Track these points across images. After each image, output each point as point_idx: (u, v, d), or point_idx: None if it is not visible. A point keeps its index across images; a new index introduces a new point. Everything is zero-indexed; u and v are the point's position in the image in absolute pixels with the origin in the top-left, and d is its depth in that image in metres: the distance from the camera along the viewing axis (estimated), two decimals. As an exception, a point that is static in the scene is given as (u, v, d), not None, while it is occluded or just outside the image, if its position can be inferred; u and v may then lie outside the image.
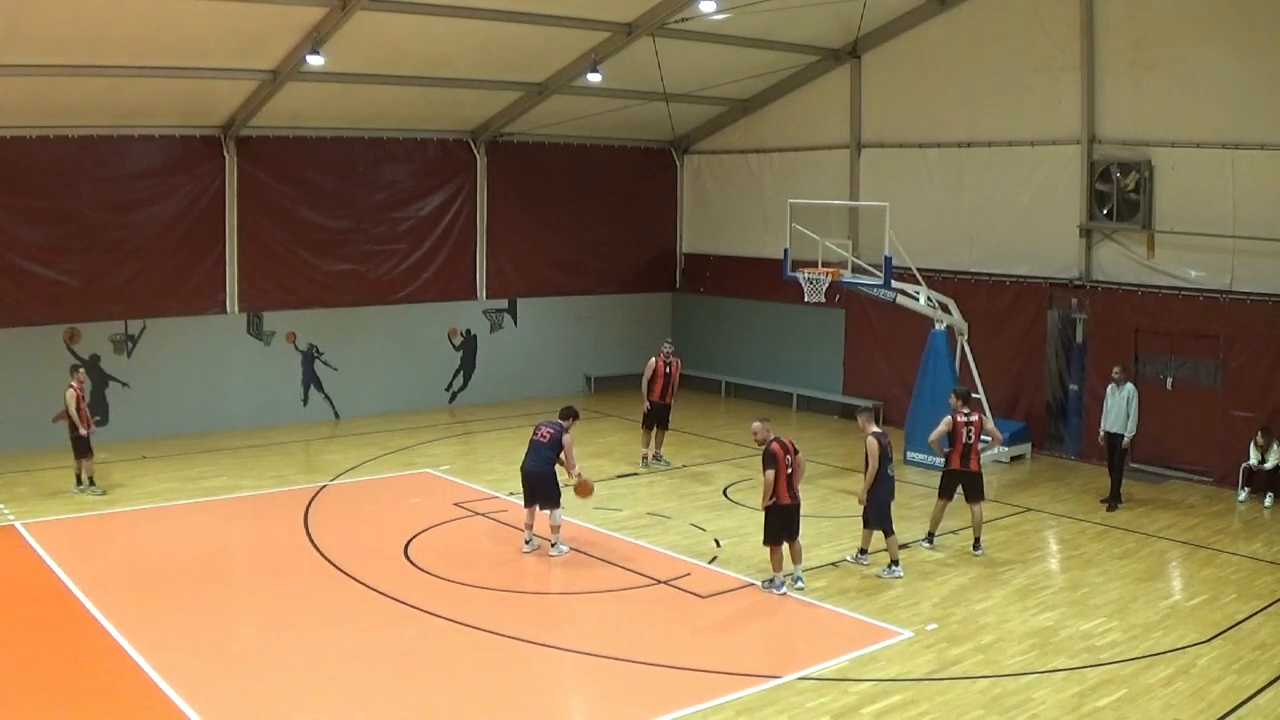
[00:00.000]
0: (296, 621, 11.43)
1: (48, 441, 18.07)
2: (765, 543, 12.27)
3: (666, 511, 15.53)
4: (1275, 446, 16.03)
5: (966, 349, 18.43)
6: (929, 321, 18.08)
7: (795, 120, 23.04)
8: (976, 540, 13.76)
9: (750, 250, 23.74)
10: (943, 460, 14.03)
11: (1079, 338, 18.89)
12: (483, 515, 15.23)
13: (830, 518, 15.12)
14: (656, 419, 17.97)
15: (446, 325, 22.86)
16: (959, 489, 13.81)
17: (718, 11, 17.50)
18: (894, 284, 17.29)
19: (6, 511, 14.96)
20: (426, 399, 22.46)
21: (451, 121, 21.98)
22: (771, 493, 12.02)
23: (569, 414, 13.94)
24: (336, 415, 21.49)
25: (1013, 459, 18.67)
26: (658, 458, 18.08)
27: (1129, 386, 15.90)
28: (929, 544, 13.93)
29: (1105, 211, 18.12)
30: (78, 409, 15.74)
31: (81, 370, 16.56)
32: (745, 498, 15.94)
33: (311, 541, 14.02)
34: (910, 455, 17.93)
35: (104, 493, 15.97)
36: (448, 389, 22.97)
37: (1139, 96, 17.64)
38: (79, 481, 15.98)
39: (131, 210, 19.12)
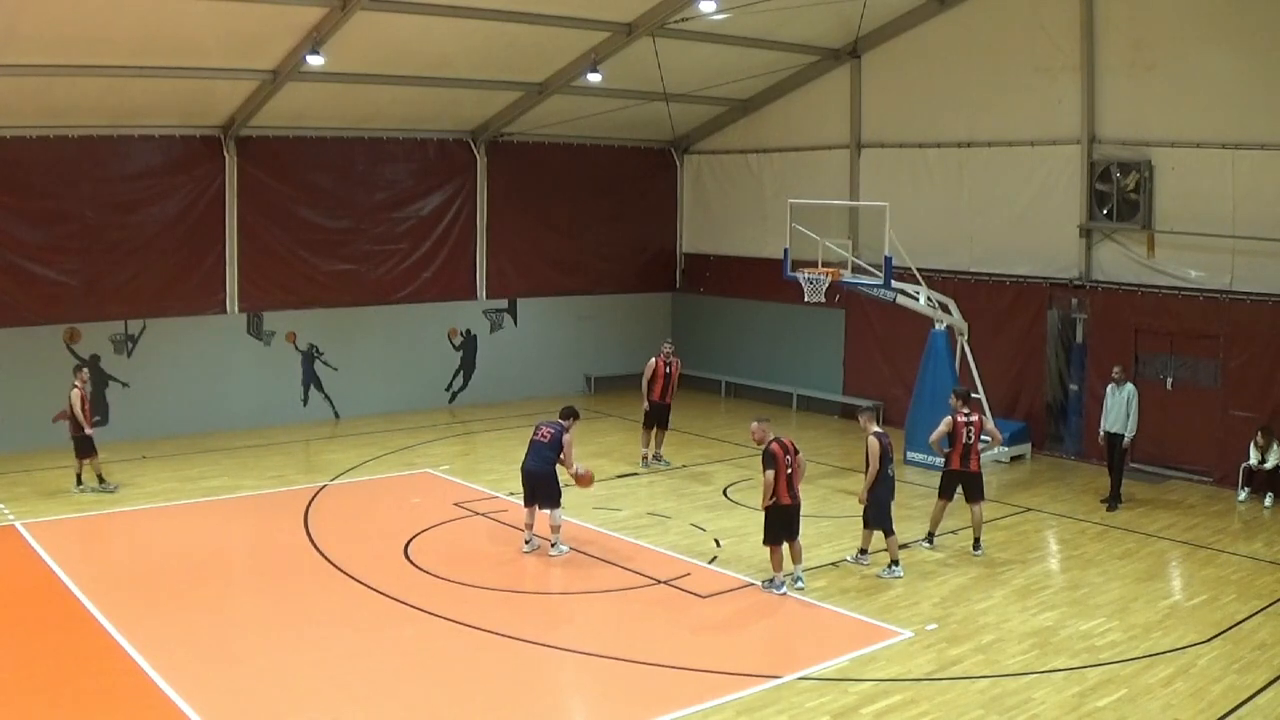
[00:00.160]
0: (296, 621, 11.43)
1: (48, 441, 18.10)
2: (765, 543, 12.27)
3: (666, 511, 15.53)
4: (1275, 446, 16.03)
5: (966, 349, 18.44)
6: (929, 321, 18.08)
7: (795, 120, 23.04)
8: (976, 540, 13.76)
9: (750, 250, 23.74)
10: (942, 460, 14.03)
11: (1079, 338, 18.89)
12: (483, 515, 15.23)
13: (830, 518, 15.12)
14: (656, 419, 17.97)
15: (446, 325, 22.86)
16: (959, 489, 13.81)
17: (718, 11, 17.50)
18: (894, 284, 17.29)
19: (6, 511, 14.96)
20: (426, 399, 22.46)
21: (451, 121, 21.98)
22: (771, 493, 12.02)
23: (569, 414, 13.94)
24: (336, 415, 21.49)
25: (1013, 459, 18.68)
26: (658, 458, 18.09)
27: (1129, 386, 15.90)
28: (929, 544, 13.94)
29: (1105, 211, 18.12)
30: (82, 409, 15.75)
31: (85, 370, 16.58)
32: (745, 498, 15.94)
33: (311, 541, 14.02)
34: (910, 455, 17.93)
35: (115, 489, 15.98)
36: (448, 389, 22.97)
37: (1139, 96, 17.63)
38: (79, 481, 15.99)
39: (131, 210, 19.12)
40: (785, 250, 18.28)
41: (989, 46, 19.41)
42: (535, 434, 13.69)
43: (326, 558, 13.37)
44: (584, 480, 13.85)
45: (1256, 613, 11.83)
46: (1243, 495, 16.32)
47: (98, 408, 18.42)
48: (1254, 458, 16.18)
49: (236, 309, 20.37)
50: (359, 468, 17.88)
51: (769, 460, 12.03)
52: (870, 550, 13.29)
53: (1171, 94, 17.24)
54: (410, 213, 22.11)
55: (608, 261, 24.78)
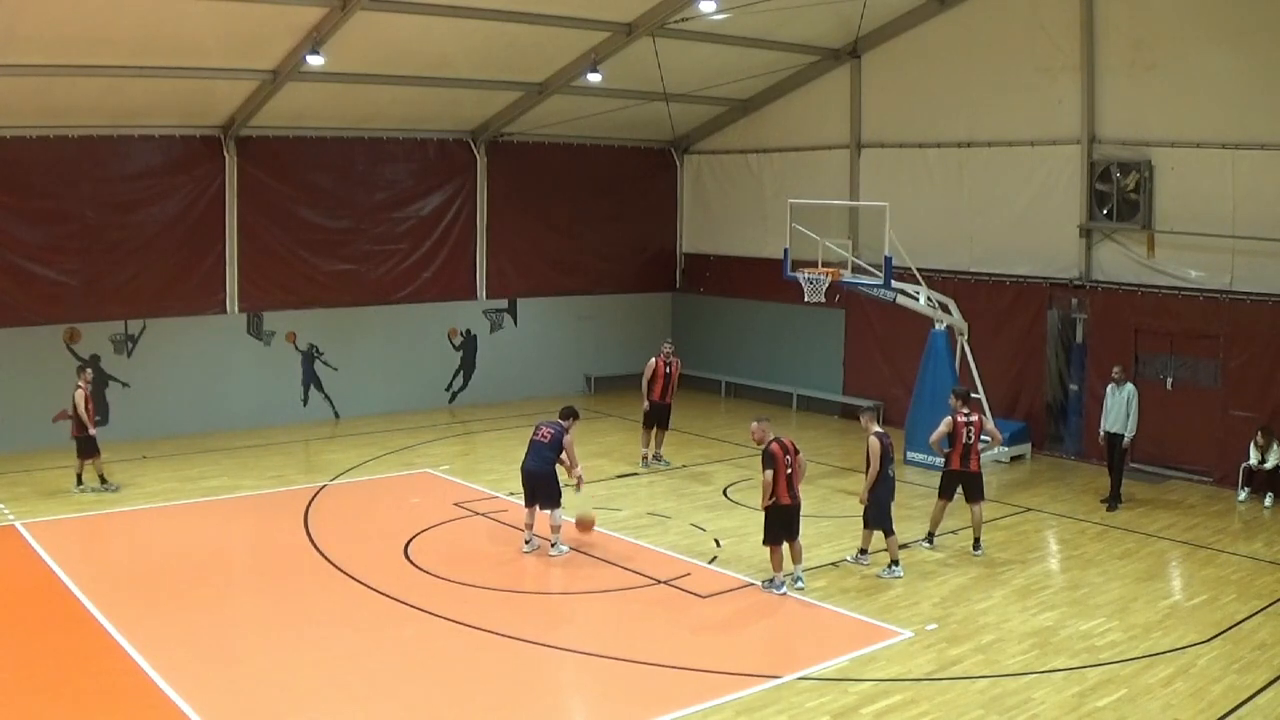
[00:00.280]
0: (296, 621, 11.43)
1: (48, 441, 18.12)
2: (765, 543, 12.28)
3: (666, 511, 15.53)
4: (1275, 446, 16.03)
5: (966, 349, 18.44)
6: (929, 321, 18.08)
7: (795, 120, 23.04)
8: (976, 540, 13.76)
9: (750, 250, 23.74)
10: (942, 460, 14.03)
11: (1079, 338, 18.89)
12: (483, 515, 15.23)
13: (830, 518, 15.12)
14: (656, 419, 17.98)
15: (446, 325, 22.86)
16: (959, 489, 13.81)
17: (718, 11, 17.50)
18: (894, 284, 17.29)
19: (6, 511, 14.96)
20: (426, 399, 22.46)
21: (451, 121, 21.98)
22: (771, 493, 12.02)
23: (569, 414, 13.95)
24: (336, 415, 21.50)
25: (1013, 459, 18.68)
26: (658, 458, 18.09)
27: (1129, 386, 15.90)
28: (929, 544, 13.94)
29: (1105, 211, 18.12)
30: (86, 409, 15.76)
31: (88, 371, 16.60)
32: (745, 498, 15.94)
33: (311, 541, 14.02)
34: (910, 455, 17.92)
35: (117, 489, 15.99)
36: (448, 389, 22.97)
37: (1139, 96, 17.63)
38: (79, 481, 16.00)
39: (131, 210, 19.12)
40: (785, 250, 18.28)
41: (989, 46, 19.41)
42: (535, 434, 13.69)
43: (326, 558, 13.37)
44: (584, 526, 13.81)
45: (1256, 613, 11.83)
46: (1243, 495, 16.32)
47: (98, 407, 18.35)
48: (1254, 458, 16.18)
49: (236, 309, 20.37)
50: (359, 468, 17.88)
51: (768, 460, 12.04)
52: (870, 550, 13.29)
53: (1171, 94, 17.24)
54: (410, 213, 22.11)
55: (608, 261, 24.78)
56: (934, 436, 13.80)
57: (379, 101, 20.05)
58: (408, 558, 13.40)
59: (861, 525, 13.29)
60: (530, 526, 13.65)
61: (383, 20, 16.57)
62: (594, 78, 19.26)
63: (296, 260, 20.86)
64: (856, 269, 18.23)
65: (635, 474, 17.61)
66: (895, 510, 13.15)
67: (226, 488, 16.53)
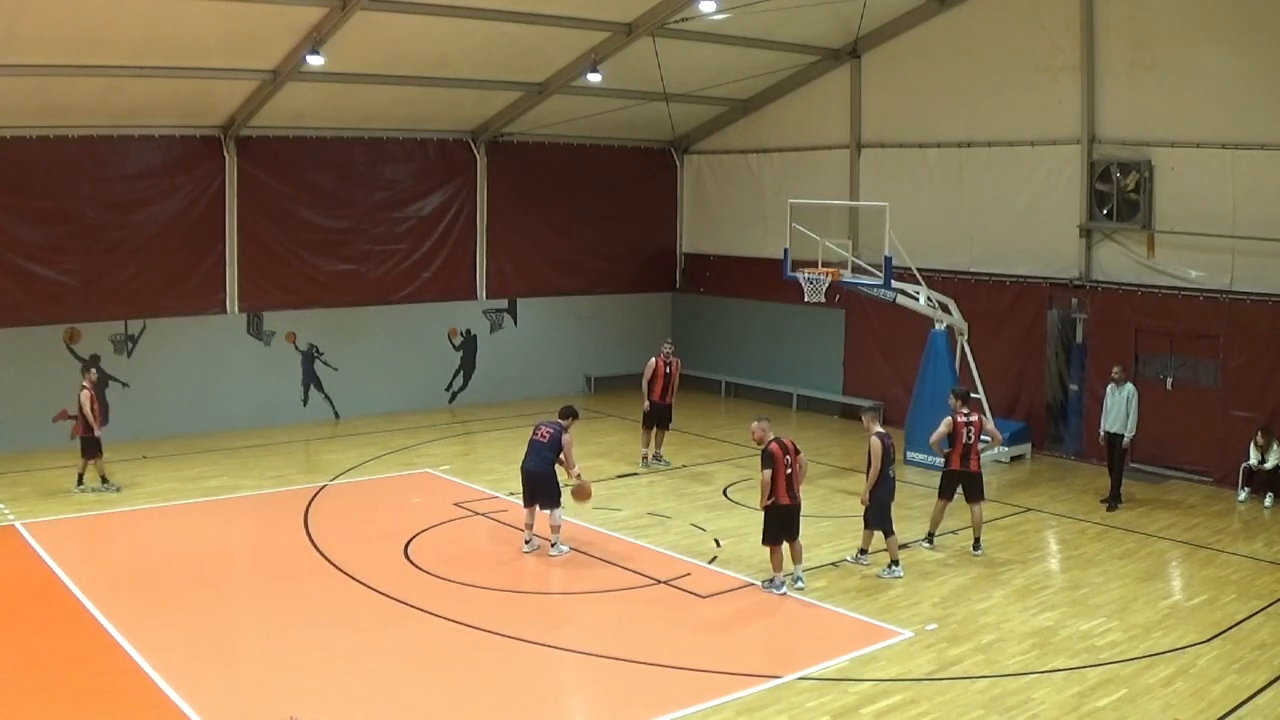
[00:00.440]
0: (296, 621, 11.43)
1: (48, 441, 18.15)
2: (764, 543, 12.27)
3: (666, 511, 15.53)
4: (1275, 446, 16.03)
5: (966, 349, 18.44)
6: (929, 321, 18.08)
7: (795, 120, 23.04)
8: (976, 540, 13.76)
9: (750, 250, 23.74)
10: (942, 461, 14.03)
11: (1079, 338, 18.89)
12: (483, 515, 15.23)
13: (830, 518, 15.12)
14: (657, 419, 17.98)
15: (446, 325, 22.86)
16: (959, 489, 13.81)
17: (718, 11, 17.50)
18: (894, 284, 17.29)
19: (7, 511, 14.96)
20: (426, 399, 22.46)
21: (451, 121, 21.98)
22: (770, 492, 12.02)
23: (569, 414, 13.95)
24: (336, 415, 21.50)
25: (1013, 459, 18.68)
26: (658, 458, 18.09)
27: (1129, 386, 15.90)
28: (929, 544, 13.94)
29: (1105, 211, 18.12)
30: (91, 409, 15.77)
31: (93, 371, 16.61)
32: (745, 498, 15.94)
33: (311, 541, 14.02)
34: (910, 455, 17.93)
35: (119, 489, 15.99)
36: (448, 389, 22.97)
37: (1139, 96, 17.63)
38: (80, 481, 15.99)
39: (131, 210, 19.12)
40: (785, 250, 18.28)
41: (989, 46, 19.41)
42: (535, 434, 13.69)
43: (326, 558, 13.37)
44: (581, 494, 13.83)
45: (1256, 613, 11.83)
46: (1243, 495, 16.32)
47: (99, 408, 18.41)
48: (1254, 458, 16.18)
49: (236, 309, 20.37)
50: (359, 468, 17.88)
51: (767, 460, 12.04)
52: (870, 550, 13.29)
53: (1171, 94, 17.24)
54: (410, 213, 22.11)
55: (608, 261, 24.78)
56: (934, 437, 13.80)
57: (379, 101, 20.05)
58: (408, 558, 13.40)
59: (862, 525, 13.29)
60: (530, 526, 13.65)
61: (383, 20, 16.57)
62: (594, 78, 19.26)
63: (296, 260, 20.86)
64: (856, 269, 18.23)
65: (635, 474, 17.61)
66: (895, 510, 13.15)
67: (226, 488, 16.53)
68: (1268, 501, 16.00)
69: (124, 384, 19.21)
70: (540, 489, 13.46)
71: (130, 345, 19.35)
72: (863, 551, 13.33)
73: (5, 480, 16.53)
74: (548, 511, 13.48)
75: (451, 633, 11.20)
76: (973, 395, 15.57)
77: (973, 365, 18.25)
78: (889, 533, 13.00)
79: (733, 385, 24.32)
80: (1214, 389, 17.17)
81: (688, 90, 21.47)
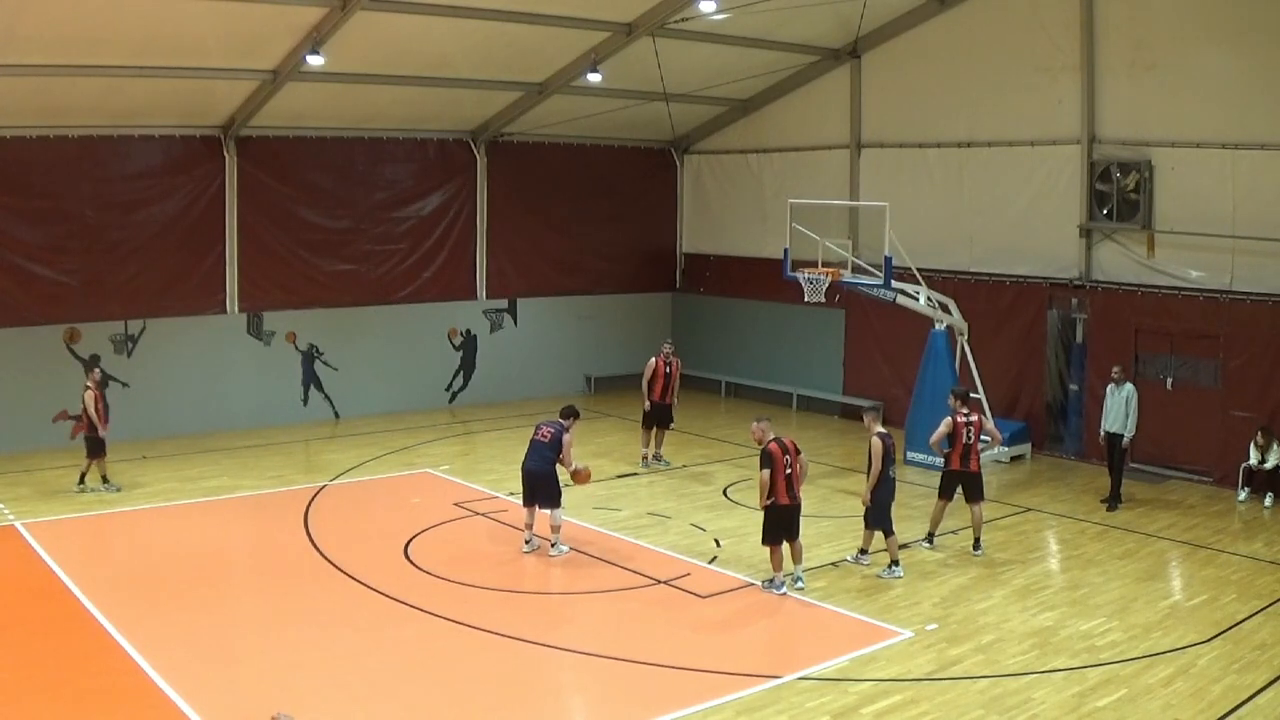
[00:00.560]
0: (296, 621, 11.43)
1: (48, 441, 18.16)
2: (764, 543, 12.28)
3: (666, 511, 15.53)
4: (1275, 446, 16.03)
5: (966, 349, 18.44)
6: (929, 321, 18.08)
7: (795, 120, 23.03)
8: (976, 540, 13.76)
9: (750, 250, 23.74)
10: (942, 461, 14.03)
11: (1079, 338, 18.89)
12: (483, 515, 15.23)
13: (831, 518, 15.12)
14: (657, 419, 17.98)
15: (446, 325, 22.86)
16: (959, 489, 13.81)
17: (718, 11, 17.50)
18: (894, 284, 17.29)
19: (7, 511, 14.96)
20: (426, 399, 22.46)
21: (451, 121, 21.98)
22: (769, 492, 12.02)
23: (569, 413, 13.95)
24: (336, 415, 21.49)
25: (1013, 459, 18.68)
26: (658, 458, 18.09)
27: (1128, 386, 15.90)
28: (929, 544, 13.94)
29: (1105, 211, 18.12)
30: (95, 409, 15.78)
31: (98, 370, 16.61)
32: (745, 498, 15.94)
33: (311, 541, 14.02)
34: (910, 455, 17.92)
35: (119, 489, 16.00)
36: (448, 389, 22.97)
37: (1139, 96, 17.63)
38: (81, 480, 15.99)
39: (131, 210, 19.12)
40: (785, 250, 18.28)
41: (989, 46, 19.41)
42: (535, 434, 13.69)
43: (326, 558, 13.37)
44: (581, 477, 13.84)
45: (1256, 613, 11.83)
46: (1243, 495, 16.32)
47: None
48: (1254, 458, 16.18)
49: (236, 309, 20.37)
50: (359, 468, 17.88)
51: (766, 460, 12.04)
52: (870, 550, 13.29)
53: (1171, 94, 17.24)
54: (410, 213, 22.11)
55: (608, 261, 24.78)
56: (934, 437, 13.80)
57: (379, 101, 20.05)
58: (408, 558, 13.40)
59: (862, 525, 13.30)
60: (530, 526, 13.65)
61: (383, 20, 16.57)
62: (594, 78, 19.25)
63: (296, 260, 20.86)
64: (856, 269, 18.22)
65: (635, 474, 17.61)
66: (895, 510, 13.15)
67: (226, 488, 16.53)
68: (1268, 501, 16.00)
69: (124, 384, 19.20)
70: (540, 489, 13.46)
71: (130, 345, 19.34)
72: (863, 551, 13.33)
73: (5, 480, 16.53)
74: (548, 511, 13.48)
75: (451, 633, 11.20)
76: (972, 395, 15.57)
77: (973, 365, 18.25)
78: (889, 533, 13.00)
79: (733, 385, 24.32)
80: (1214, 389, 17.17)
81: (688, 90, 21.47)
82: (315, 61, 16.60)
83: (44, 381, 18.35)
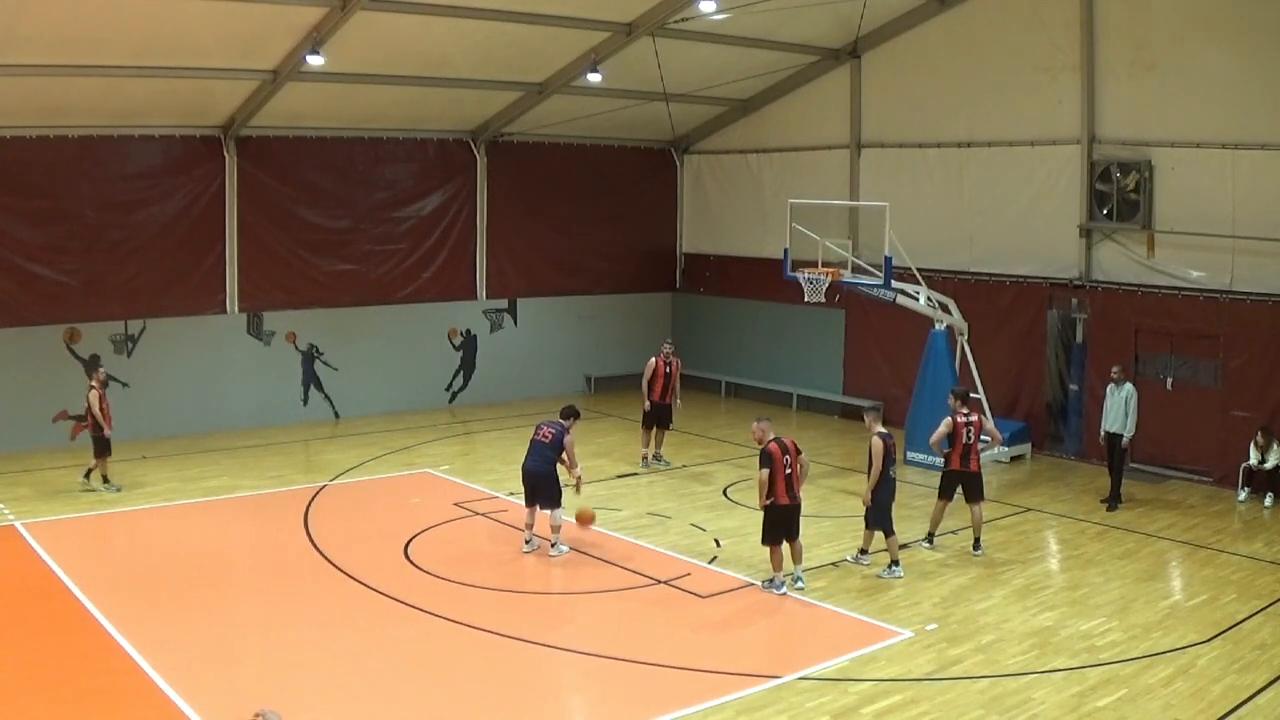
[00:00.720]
0: (296, 621, 11.43)
1: (48, 441, 18.16)
2: (764, 542, 12.28)
3: (666, 511, 15.53)
4: (1275, 446, 16.03)
5: (966, 349, 18.44)
6: (929, 321, 18.08)
7: (795, 120, 23.03)
8: (976, 540, 13.76)
9: (750, 250, 23.74)
10: (942, 461, 14.03)
11: (1079, 338, 18.89)
12: (483, 515, 15.23)
13: (831, 518, 15.12)
14: (657, 419, 17.98)
15: (446, 325, 22.86)
16: (959, 489, 13.81)
17: (718, 11, 17.49)
18: (894, 284, 17.29)
19: (7, 511, 14.96)
20: (426, 399, 22.46)
21: (451, 121, 21.98)
22: (769, 492, 12.02)
23: (570, 413, 13.95)
24: (336, 415, 21.49)
25: (1013, 459, 18.68)
26: (658, 458, 18.09)
27: (1128, 386, 15.90)
28: (929, 544, 13.94)
29: (1105, 211, 18.12)
30: (100, 408, 15.78)
31: (102, 370, 16.61)
32: (745, 498, 15.94)
33: (311, 541, 14.02)
34: (910, 455, 17.92)
35: (119, 489, 16.00)
36: (448, 389, 22.97)
37: (1139, 96, 17.63)
38: (87, 475, 16.00)
39: (131, 210, 19.12)
40: (785, 250, 18.28)
41: (989, 46, 19.41)
42: (536, 434, 13.70)
43: (326, 558, 13.37)
44: (584, 520, 13.86)
45: (1256, 613, 11.83)
46: (1243, 495, 16.32)
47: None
48: (1254, 458, 16.18)
49: (236, 309, 20.37)
50: (359, 468, 17.88)
51: (765, 460, 12.04)
52: (870, 550, 13.29)
53: (1171, 94, 17.24)
54: (410, 213, 22.11)
55: (608, 261, 24.78)
56: (934, 437, 13.80)
57: (379, 101, 20.05)
58: (408, 558, 13.40)
59: (863, 525, 13.29)
60: (530, 526, 13.65)
61: (383, 20, 16.57)
62: (594, 78, 19.25)
63: (296, 260, 20.86)
64: (856, 269, 18.22)
65: (635, 474, 17.61)
66: (895, 510, 13.15)
67: (226, 488, 16.53)
68: (1268, 501, 16.00)
69: (124, 384, 19.19)
70: (541, 489, 13.46)
71: (130, 345, 19.34)
72: (863, 551, 13.33)
73: (5, 480, 16.53)
74: (548, 511, 13.48)
75: (451, 633, 11.20)
76: (972, 395, 15.57)
77: (973, 365, 18.25)
78: (889, 533, 13.00)
79: (733, 385, 24.32)
80: (1214, 389, 17.17)
81: (688, 90, 21.47)
82: (315, 61, 16.60)
83: (44, 381, 18.36)
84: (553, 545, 13.50)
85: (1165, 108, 17.31)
